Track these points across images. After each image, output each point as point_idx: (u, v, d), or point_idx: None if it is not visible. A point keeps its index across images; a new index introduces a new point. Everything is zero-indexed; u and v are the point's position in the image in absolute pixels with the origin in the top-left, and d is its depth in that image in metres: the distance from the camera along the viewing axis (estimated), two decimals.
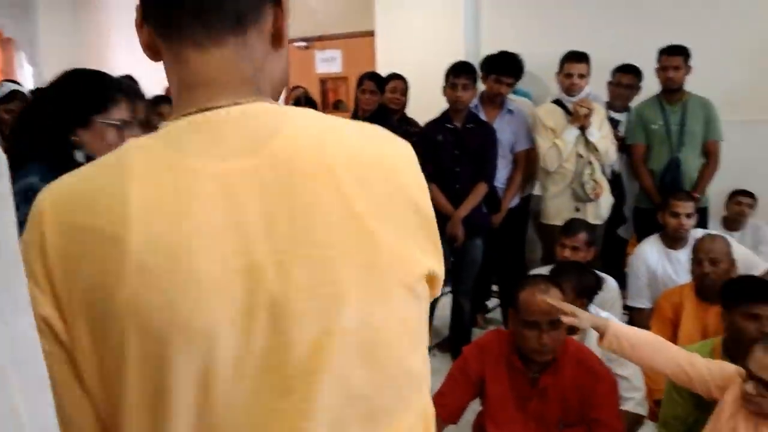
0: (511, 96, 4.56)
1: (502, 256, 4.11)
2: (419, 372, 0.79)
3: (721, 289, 2.44)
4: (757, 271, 3.46)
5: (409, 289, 0.75)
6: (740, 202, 4.63)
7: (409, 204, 0.77)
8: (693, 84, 4.10)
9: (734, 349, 2.29)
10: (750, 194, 4.63)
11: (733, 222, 4.70)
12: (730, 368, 2.07)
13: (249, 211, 0.68)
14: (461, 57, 4.27)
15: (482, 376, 2.37)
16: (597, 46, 4.79)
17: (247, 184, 0.69)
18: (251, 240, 0.68)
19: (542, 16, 5.33)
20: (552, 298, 2.22)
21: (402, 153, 0.80)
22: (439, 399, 2.34)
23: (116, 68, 5.30)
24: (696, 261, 3.05)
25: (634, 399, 2.62)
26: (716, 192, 4.53)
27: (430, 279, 0.79)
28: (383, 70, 4.78)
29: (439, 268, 0.81)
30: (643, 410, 2.64)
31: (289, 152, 0.71)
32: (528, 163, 4.08)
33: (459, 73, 3.69)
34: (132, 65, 4.68)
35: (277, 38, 0.79)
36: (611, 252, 4.11)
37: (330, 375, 0.69)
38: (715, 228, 4.63)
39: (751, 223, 4.72)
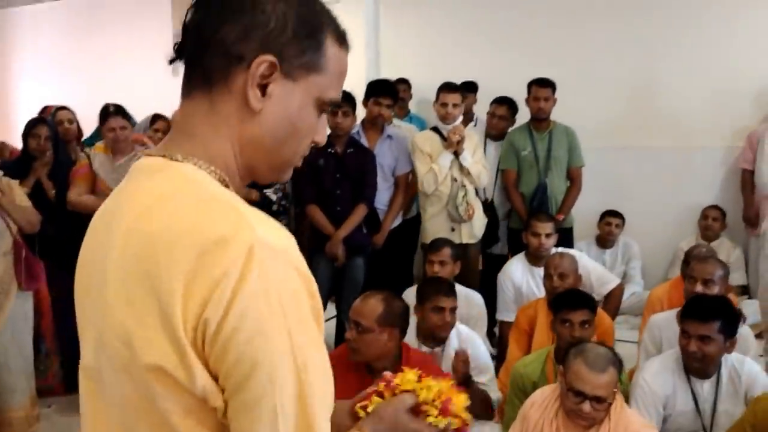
0: (400, 123, 4.82)
1: (388, 275, 4.31)
2: None
3: (551, 301, 2.71)
4: (610, 287, 3.79)
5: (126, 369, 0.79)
6: (610, 222, 5.03)
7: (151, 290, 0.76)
8: (567, 114, 4.45)
9: (561, 356, 2.54)
10: (619, 214, 5.03)
11: (605, 240, 5.09)
12: None
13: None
14: (363, 83, 4.46)
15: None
16: (485, 75, 5.15)
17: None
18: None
19: (437, 45, 5.65)
20: (375, 306, 2.43)
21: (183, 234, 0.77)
22: None
23: None
24: (546, 276, 3.34)
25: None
26: (588, 213, 4.91)
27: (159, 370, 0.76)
28: None
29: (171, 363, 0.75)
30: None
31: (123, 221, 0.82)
32: (409, 186, 4.31)
33: (339, 103, 3.89)
34: None
35: (246, 102, 0.82)
36: (490, 269, 4.38)
37: None
38: (589, 246, 5.01)
39: (621, 241, 5.12)
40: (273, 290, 0.74)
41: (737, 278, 4.69)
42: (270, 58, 0.81)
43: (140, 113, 4.93)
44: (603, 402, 2.09)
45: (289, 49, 0.82)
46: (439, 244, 3.60)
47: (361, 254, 3.97)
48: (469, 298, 3.59)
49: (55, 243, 3.48)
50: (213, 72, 0.81)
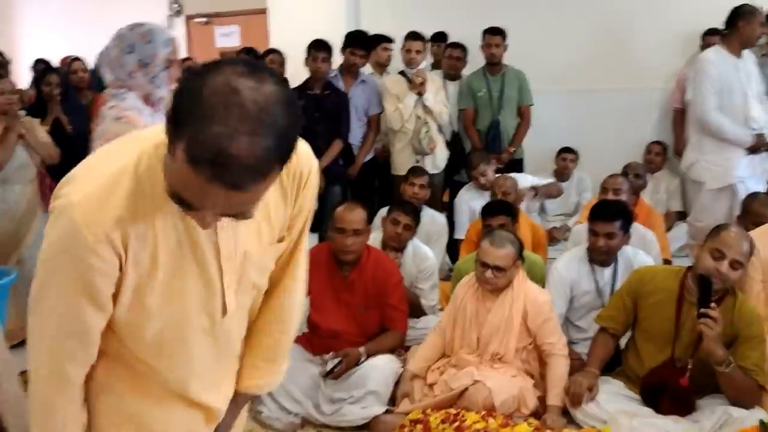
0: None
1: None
2: None
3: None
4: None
5: None
6: (565, 158, 5.59)
7: None
8: (526, 60, 4.98)
9: None
10: (573, 151, 5.59)
11: (561, 174, 5.66)
12: None
13: None
14: (342, 33, 4.94)
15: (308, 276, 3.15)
16: (449, 26, 5.65)
17: None
18: None
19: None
20: (358, 215, 3.02)
21: None
22: None
23: None
24: (492, 194, 3.95)
25: None
26: (546, 150, 5.48)
27: None
28: (275, 45, 5.43)
29: None
30: None
31: None
32: (379, 125, 4.89)
33: (318, 48, 4.45)
34: None
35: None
36: (452, 194, 4.97)
37: None
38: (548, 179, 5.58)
39: (576, 175, 5.69)
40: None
41: (674, 205, 5.28)
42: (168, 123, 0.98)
43: None
44: (502, 270, 2.72)
45: (167, 120, 0.94)
46: (420, 170, 4.25)
47: (337, 183, 4.57)
48: (433, 217, 4.24)
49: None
50: None
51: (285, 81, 0.98)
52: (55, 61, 5.83)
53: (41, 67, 5.56)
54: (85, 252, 1.02)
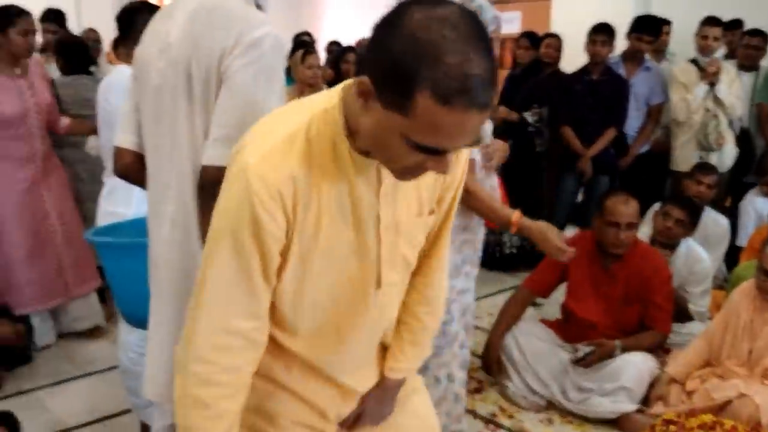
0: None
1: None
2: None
3: None
4: None
5: None
6: None
7: None
8: None
9: None
10: None
11: None
12: None
13: None
14: (628, 18, 4.69)
15: (567, 264, 3.11)
16: (754, 11, 5.07)
17: None
18: None
19: None
20: (631, 208, 2.92)
21: None
22: (533, 276, 3.17)
23: None
24: None
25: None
26: None
27: None
28: (558, 30, 5.36)
29: None
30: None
31: None
32: (660, 116, 4.59)
33: (598, 31, 4.32)
34: None
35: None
36: (736, 197, 4.51)
37: None
38: None
39: None
40: None
41: None
42: (366, 81, 0.94)
43: None
44: None
45: (381, 81, 0.92)
46: (709, 167, 3.90)
47: (606, 173, 4.41)
48: (716, 220, 3.88)
49: None
50: (359, 68, 1.23)
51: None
52: (348, 43, 6.42)
53: (338, 48, 6.18)
54: (260, 211, 1.02)
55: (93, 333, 3.53)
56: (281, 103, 1.47)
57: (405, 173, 1.02)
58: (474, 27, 0.90)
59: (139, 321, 1.87)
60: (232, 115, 1.42)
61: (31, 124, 3.22)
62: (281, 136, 1.04)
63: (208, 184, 1.41)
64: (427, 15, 0.88)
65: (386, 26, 0.92)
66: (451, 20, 0.88)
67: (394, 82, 0.90)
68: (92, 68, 4.08)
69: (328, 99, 1.07)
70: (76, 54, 3.87)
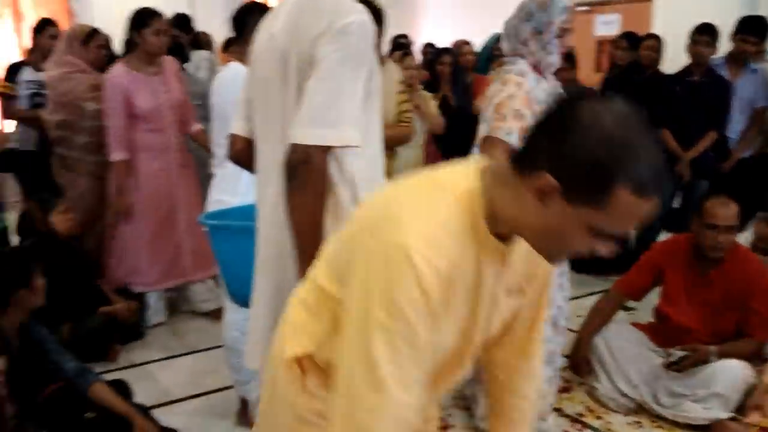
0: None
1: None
2: None
3: None
4: None
5: None
6: None
7: None
8: None
9: None
10: None
11: None
12: None
13: None
14: (734, 20, 4.50)
15: (663, 267, 3.07)
16: None
17: None
18: None
19: None
20: (731, 210, 2.85)
21: None
22: (626, 279, 3.13)
23: None
24: None
25: None
26: None
27: None
28: (659, 32, 5.22)
29: None
30: None
31: None
32: (764, 120, 4.40)
33: (701, 32, 4.21)
34: None
35: (530, 196, 1.00)
36: None
37: None
38: None
39: None
40: None
41: None
42: (552, 182, 0.95)
43: None
44: None
45: (573, 181, 0.94)
46: None
47: (705, 177, 4.28)
48: None
49: None
50: (527, 160, 1.01)
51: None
52: (444, 45, 6.48)
53: (432, 50, 6.24)
54: (428, 291, 1.00)
55: (216, 313, 3.63)
56: (368, 86, 1.56)
57: (562, 256, 1.08)
58: (641, 117, 0.97)
59: (245, 300, 2.01)
60: (319, 97, 1.50)
61: (165, 118, 3.50)
62: (437, 219, 1.03)
63: (294, 161, 1.50)
64: (610, 112, 0.94)
65: (562, 127, 0.95)
66: (630, 115, 0.95)
67: (591, 179, 0.93)
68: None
69: (465, 178, 1.08)
70: (172, 52, 4.13)
